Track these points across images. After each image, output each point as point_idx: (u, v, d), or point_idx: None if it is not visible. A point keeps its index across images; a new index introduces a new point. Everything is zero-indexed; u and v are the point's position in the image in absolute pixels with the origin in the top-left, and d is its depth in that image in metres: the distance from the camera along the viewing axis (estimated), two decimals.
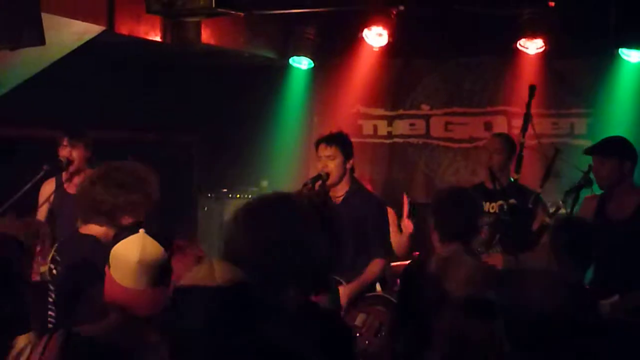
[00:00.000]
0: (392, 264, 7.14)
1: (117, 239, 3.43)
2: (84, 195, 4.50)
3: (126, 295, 3.32)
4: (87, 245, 4.33)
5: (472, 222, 4.90)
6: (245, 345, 2.56)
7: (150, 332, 3.30)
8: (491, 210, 6.69)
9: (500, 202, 6.32)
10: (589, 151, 6.29)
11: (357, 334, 5.94)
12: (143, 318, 3.32)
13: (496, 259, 6.28)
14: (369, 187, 7.49)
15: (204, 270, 2.60)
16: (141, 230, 3.38)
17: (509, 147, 6.82)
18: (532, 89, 6.79)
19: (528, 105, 6.67)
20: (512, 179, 6.60)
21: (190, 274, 2.64)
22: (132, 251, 3.31)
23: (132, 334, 3.30)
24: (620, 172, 6.14)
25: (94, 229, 4.43)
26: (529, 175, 7.05)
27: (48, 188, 7.09)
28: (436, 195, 5.11)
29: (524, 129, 6.63)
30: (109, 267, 3.36)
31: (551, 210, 6.43)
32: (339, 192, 6.39)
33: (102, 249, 3.72)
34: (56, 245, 4.71)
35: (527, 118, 6.63)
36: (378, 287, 6.70)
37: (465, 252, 4.72)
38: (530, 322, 2.72)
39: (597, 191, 6.28)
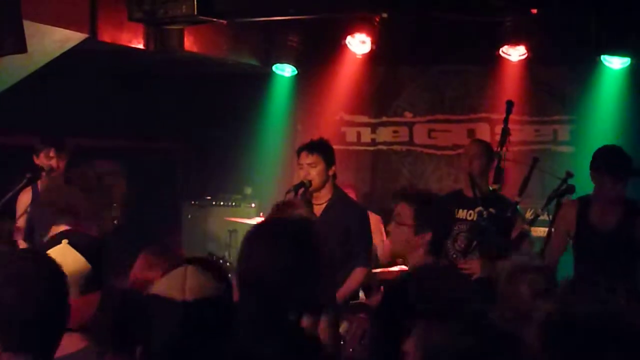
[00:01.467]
0: (375, 270, 7.14)
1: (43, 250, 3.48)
2: (52, 197, 4.58)
3: None
4: (94, 238, 4.38)
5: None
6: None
7: (79, 342, 3.30)
8: (468, 218, 6.67)
9: (478, 208, 6.28)
10: (606, 169, 6.20)
11: (341, 342, 5.93)
12: (80, 326, 3.33)
13: (473, 265, 6.26)
14: (352, 194, 7.49)
15: (175, 280, 2.57)
16: (64, 241, 3.42)
17: (488, 153, 6.80)
18: (509, 104, 6.80)
19: (506, 120, 6.68)
20: (491, 189, 6.59)
21: (162, 281, 2.62)
22: (64, 262, 3.33)
23: (70, 344, 3.31)
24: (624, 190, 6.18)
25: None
26: (509, 187, 7.08)
27: (25, 198, 7.05)
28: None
29: (502, 142, 6.63)
30: None
31: (530, 217, 6.44)
32: (321, 200, 6.38)
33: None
34: None
35: (505, 132, 6.64)
36: (361, 294, 6.70)
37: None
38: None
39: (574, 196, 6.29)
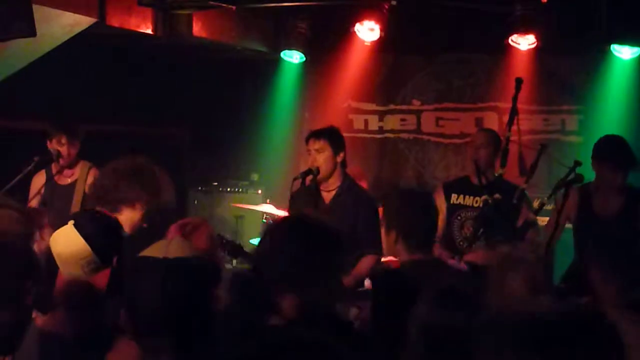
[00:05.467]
0: (383, 259, 7.14)
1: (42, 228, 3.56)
2: (95, 183, 4.63)
3: (64, 284, 3.43)
4: (106, 220, 4.40)
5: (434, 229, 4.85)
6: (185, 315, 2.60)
7: (93, 318, 3.36)
8: (475, 205, 6.68)
9: (484, 196, 6.28)
10: (606, 158, 6.22)
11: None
12: (88, 305, 3.37)
13: (477, 255, 6.26)
14: (364, 183, 7.49)
15: (158, 246, 2.68)
16: (70, 222, 3.49)
17: (495, 142, 6.80)
18: (518, 81, 6.72)
19: (514, 99, 6.61)
20: (496, 174, 6.58)
21: (147, 249, 2.71)
22: (66, 244, 3.44)
23: (78, 321, 3.34)
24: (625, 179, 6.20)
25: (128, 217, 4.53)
26: (515, 170, 7.06)
27: (39, 180, 7.07)
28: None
29: (510, 122, 6.61)
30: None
31: (537, 207, 6.43)
32: (331, 187, 6.38)
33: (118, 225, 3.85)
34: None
35: (514, 112, 6.59)
36: (367, 282, 6.70)
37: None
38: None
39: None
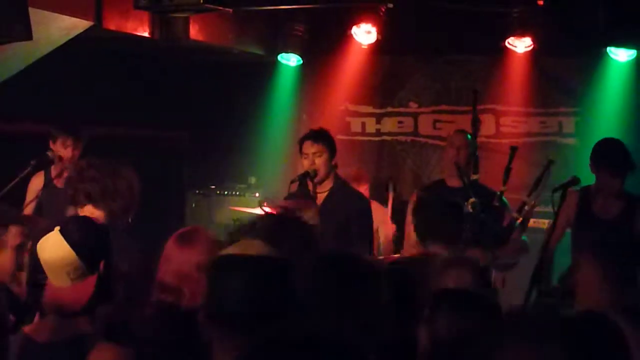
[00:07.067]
0: (379, 258, 7.15)
1: (35, 237, 3.52)
2: (77, 180, 4.67)
3: (56, 294, 3.41)
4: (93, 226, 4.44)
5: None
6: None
7: (83, 325, 3.37)
8: None
9: (472, 200, 6.32)
10: (604, 163, 6.25)
11: None
12: (75, 312, 3.38)
13: (476, 255, 6.30)
14: (365, 186, 7.54)
15: (243, 245, 2.69)
16: (56, 229, 3.46)
17: (471, 143, 6.88)
18: (475, 93, 6.94)
19: (474, 109, 6.77)
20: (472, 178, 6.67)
21: (226, 249, 2.71)
22: (51, 250, 3.41)
23: (65, 328, 3.35)
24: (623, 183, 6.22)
25: (89, 212, 4.58)
26: (490, 176, 7.14)
27: (37, 182, 7.06)
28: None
29: (474, 132, 6.73)
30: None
31: (519, 207, 6.48)
32: (323, 189, 6.42)
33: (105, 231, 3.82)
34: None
35: (475, 122, 6.72)
36: None
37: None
38: None
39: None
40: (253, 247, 2.68)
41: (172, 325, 3.47)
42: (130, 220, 4.94)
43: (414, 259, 4.79)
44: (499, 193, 6.44)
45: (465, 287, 3.80)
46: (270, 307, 2.61)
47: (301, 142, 6.49)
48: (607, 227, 6.16)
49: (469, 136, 7.01)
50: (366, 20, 8.62)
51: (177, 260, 3.76)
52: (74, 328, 3.35)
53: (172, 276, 3.68)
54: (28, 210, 6.98)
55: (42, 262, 3.45)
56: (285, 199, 6.52)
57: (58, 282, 3.40)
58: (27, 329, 3.44)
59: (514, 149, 6.65)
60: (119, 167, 4.76)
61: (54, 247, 3.41)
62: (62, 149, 6.93)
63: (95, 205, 4.63)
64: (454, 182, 6.79)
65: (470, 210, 6.43)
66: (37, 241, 3.54)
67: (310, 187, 6.42)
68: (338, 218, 6.11)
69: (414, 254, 5.00)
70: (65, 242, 3.42)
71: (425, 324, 3.14)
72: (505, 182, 6.44)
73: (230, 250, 2.70)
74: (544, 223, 7.09)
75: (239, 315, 2.58)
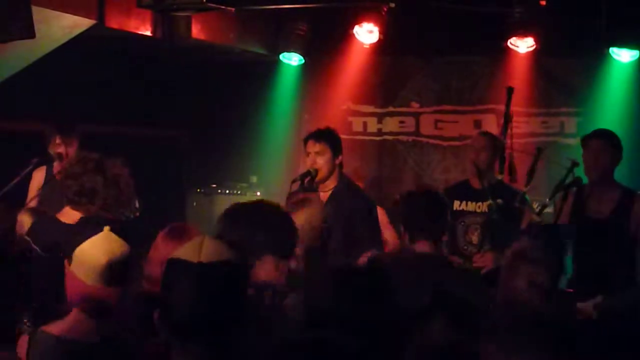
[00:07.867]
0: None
1: (77, 233, 3.46)
2: (70, 176, 4.72)
3: (90, 293, 3.33)
4: (57, 230, 4.49)
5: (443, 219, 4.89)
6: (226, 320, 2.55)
7: (111, 327, 3.34)
8: (478, 210, 6.71)
9: (489, 202, 6.31)
10: (593, 136, 6.25)
11: None
12: (105, 313, 3.34)
13: (487, 258, 6.30)
14: (361, 184, 7.50)
15: (191, 247, 2.60)
16: (106, 228, 3.38)
17: (494, 145, 6.83)
18: (509, 90, 6.82)
19: (507, 107, 6.68)
20: (497, 178, 6.63)
21: (179, 249, 2.63)
22: (99, 251, 3.32)
23: (94, 329, 3.32)
24: (615, 164, 6.16)
25: (68, 215, 4.65)
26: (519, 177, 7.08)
27: (39, 177, 7.07)
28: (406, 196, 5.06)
29: (504, 130, 6.66)
30: (70, 264, 3.36)
31: (537, 208, 6.44)
32: (327, 188, 6.39)
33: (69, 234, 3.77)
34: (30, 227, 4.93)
35: (507, 119, 6.65)
36: None
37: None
38: None
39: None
40: (207, 248, 2.60)
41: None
42: (131, 215, 4.96)
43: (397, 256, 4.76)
44: (521, 193, 6.38)
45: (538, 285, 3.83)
46: (221, 315, 2.55)
47: (305, 140, 6.49)
48: (600, 225, 6.13)
49: (495, 138, 6.95)
50: (368, 20, 8.62)
51: (163, 252, 3.84)
52: (107, 329, 3.32)
53: (158, 267, 3.69)
54: (32, 205, 6.99)
55: (89, 262, 3.34)
56: (287, 198, 6.52)
57: (102, 282, 3.32)
58: (51, 327, 3.36)
59: (540, 150, 6.58)
60: (103, 163, 4.79)
61: (112, 247, 3.32)
62: (63, 149, 6.94)
63: (73, 206, 4.75)
64: (476, 183, 6.78)
65: (485, 212, 6.45)
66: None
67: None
68: (343, 215, 6.10)
69: (398, 248, 4.98)
70: (123, 243, 3.37)
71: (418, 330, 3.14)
72: (528, 184, 6.38)
73: (181, 252, 2.62)
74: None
75: (189, 324, 2.53)
